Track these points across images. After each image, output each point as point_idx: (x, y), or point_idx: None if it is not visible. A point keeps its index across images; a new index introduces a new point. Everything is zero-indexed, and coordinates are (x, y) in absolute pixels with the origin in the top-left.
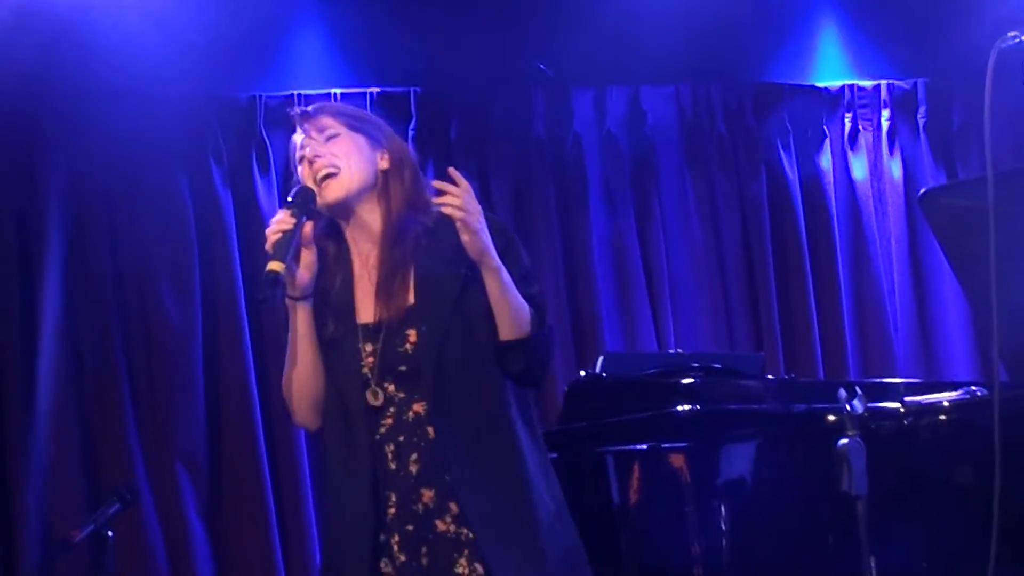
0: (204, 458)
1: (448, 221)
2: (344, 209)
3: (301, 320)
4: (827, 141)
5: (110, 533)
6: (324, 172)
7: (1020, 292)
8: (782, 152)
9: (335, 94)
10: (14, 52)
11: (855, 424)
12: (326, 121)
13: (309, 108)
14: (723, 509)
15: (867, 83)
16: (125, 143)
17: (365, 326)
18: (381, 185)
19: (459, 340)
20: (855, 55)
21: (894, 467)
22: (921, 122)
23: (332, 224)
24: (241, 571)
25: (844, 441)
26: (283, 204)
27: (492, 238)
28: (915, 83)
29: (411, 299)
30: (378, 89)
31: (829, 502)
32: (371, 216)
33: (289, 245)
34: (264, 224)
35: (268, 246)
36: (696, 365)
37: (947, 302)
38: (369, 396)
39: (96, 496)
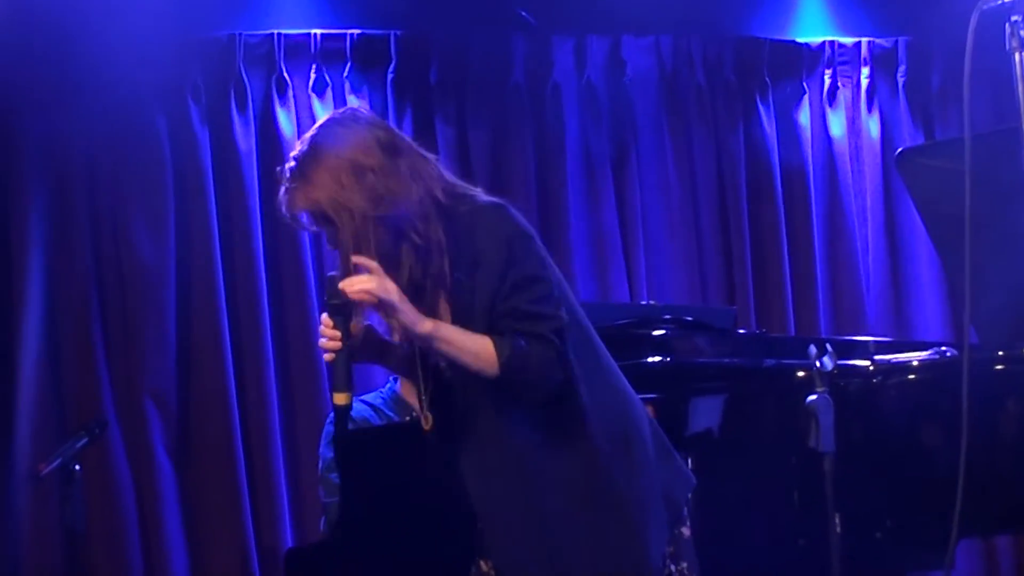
0: (173, 395)
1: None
2: None
3: (393, 367)
4: (806, 97)
5: (77, 467)
6: None
7: (993, 255)
8: (760, 107)
9: (315, 34)
10: None
11: (824, 381)
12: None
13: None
14: (690, 461)
15: (848, 40)
16: (103, 81)
17: None
18: None
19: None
20: (836, 11)
21: (861, 424)
22: (901, 81)
23: None
24: (207, 508)
25: (813, 397)
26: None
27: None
28: (896, 41)
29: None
30: (358, 31)
31: (796, 457)
32: None
33: (346, 368)
34: (240, 162)
35: (325, 358)
36: (668, 317)
37: (920, 262)
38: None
39: (65, 430)
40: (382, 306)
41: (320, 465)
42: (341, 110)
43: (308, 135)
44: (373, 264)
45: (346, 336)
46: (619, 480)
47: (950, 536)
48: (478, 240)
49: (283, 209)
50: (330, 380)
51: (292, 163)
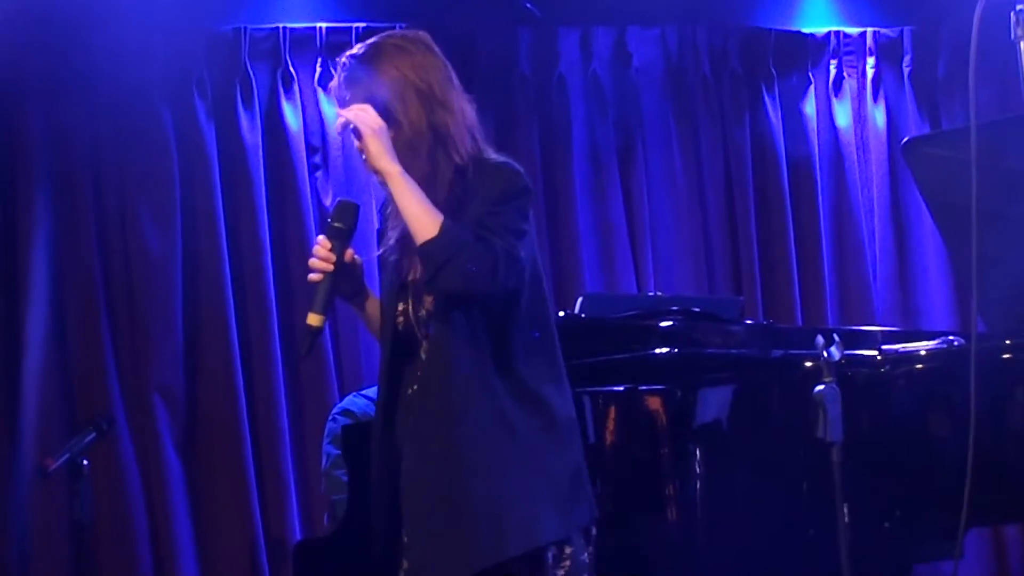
0: (181, 390)
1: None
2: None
3: (361, 309)
4: (811, 87)
5: (85, 462)
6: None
7: (1000, 243)
8: (766, 97)
9: (320, 28)
10: None
11: (832, 371)
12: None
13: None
14: (698, 452)
15: (853, 30)
16: (109, 75)
17: (404, 284)
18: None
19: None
20: (842, 1)
21: (869, 414)
22: (906, 71)
23: None
24: (216, 502)
25: (820, 387)
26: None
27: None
28: (901, 31)
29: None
30: (364, 24)
31: (804, 448)
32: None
33: (328, 292)
34: (247, 157)
35: (310, 278)
36: (675, 308)
37: (927, 251)
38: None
39: (73, 426)
40: (358, 133)
41: (325, 462)
42: (405, 30)
43: (375, 38)
44: (367, 106)
45: (339, 261)
46: (542, 468)
47: (958, 526)
48: (484, 186)
49: (337, 92)
50: (310, 303)
51: (352, 58)
